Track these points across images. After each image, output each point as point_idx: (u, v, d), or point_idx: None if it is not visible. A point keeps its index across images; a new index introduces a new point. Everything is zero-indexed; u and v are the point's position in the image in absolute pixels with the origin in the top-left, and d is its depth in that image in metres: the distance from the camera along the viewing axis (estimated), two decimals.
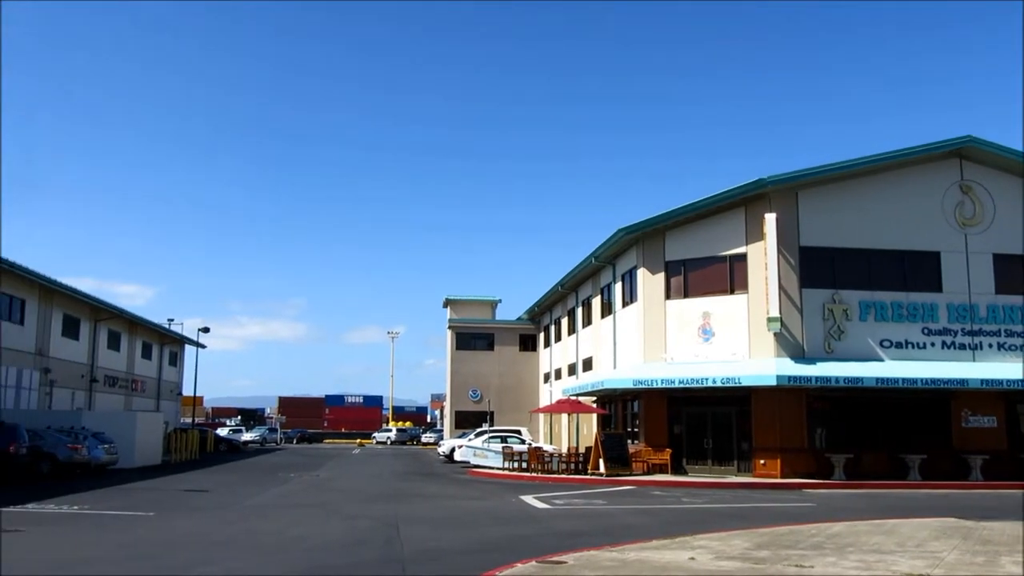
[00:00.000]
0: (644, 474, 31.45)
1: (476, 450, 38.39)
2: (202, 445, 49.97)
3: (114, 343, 53.49)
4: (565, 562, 11.24)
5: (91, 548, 13.39)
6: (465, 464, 39.55)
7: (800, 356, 30.93)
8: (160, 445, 40.35)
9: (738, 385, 30.13)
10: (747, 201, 32.40)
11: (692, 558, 11.55)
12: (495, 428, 49.16)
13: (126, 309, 53.21)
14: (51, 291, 42.50)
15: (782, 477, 29.97)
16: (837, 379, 29.69)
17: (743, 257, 32.42)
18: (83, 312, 47.66)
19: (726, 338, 32.29)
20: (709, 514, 19.43)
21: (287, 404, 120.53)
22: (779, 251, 31.21)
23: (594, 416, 40.13)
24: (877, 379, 29.90)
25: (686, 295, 33.68)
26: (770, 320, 30.72)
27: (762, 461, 30.80)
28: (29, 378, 39.85)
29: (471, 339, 64.90)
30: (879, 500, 24.08)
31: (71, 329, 46.18)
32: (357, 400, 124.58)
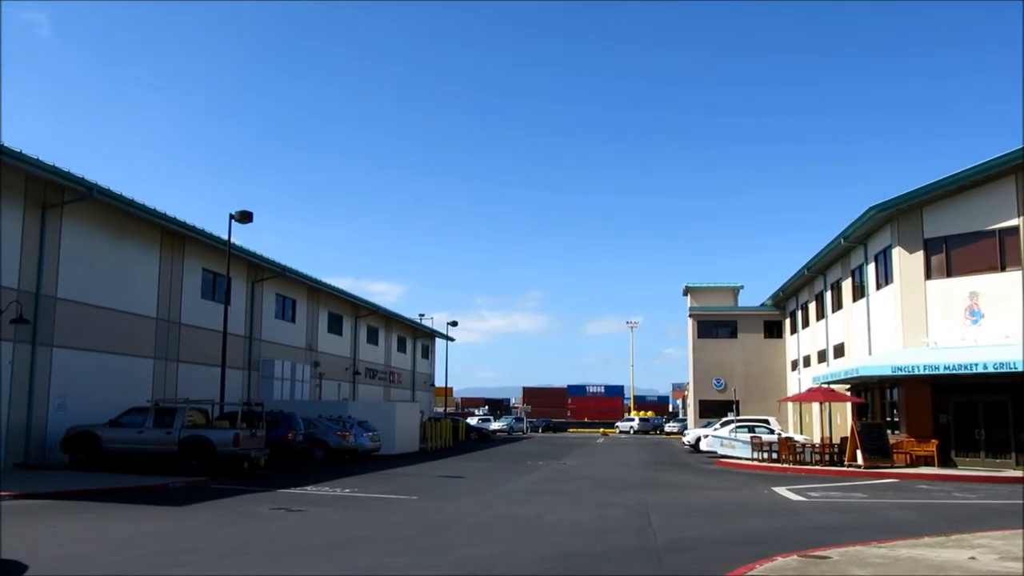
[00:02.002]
0: (907, 466, 29.49)
1: (723, 440, 37.65)
2: (454, 433, 52.28)
3: (373, 338, 57.25)
4: (829, 557, 10.76)
5: (363, 528, 14.40)
6: (712, 454, 38.87)
7: None
8: (417, 433, 42.67)
9: (1014, 371, 27.50)
10: (1018, 169, 29.50)
11: (972, 558, 10.68)
12: (741, 417, 47.94)
13: (382, 306, 56.78)
14: (318, 291, 46.17)
15: None
16: None
17: (1015, 231, 29.57)
18: (345, 309, 51.39)
19: (997, 320, 29.60)
20: (986, 510, 17.92)
21: (531, 394, 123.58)
22: None
23: (848, 405, 38.15)
24: None
25: (949, 274, 31.23)
26: None
27: None
28: (302, 371, 43.49)
29: (713, 327, 63.62)
30: None
31: (335, 325, 49.96)
32: (599, 390, 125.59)
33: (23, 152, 22.52)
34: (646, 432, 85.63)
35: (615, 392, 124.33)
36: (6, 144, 21.90)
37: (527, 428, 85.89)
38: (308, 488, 21.00)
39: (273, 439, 26.87)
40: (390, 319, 60.43)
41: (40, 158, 23.17)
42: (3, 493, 17.40)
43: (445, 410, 71.83)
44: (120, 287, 28.91)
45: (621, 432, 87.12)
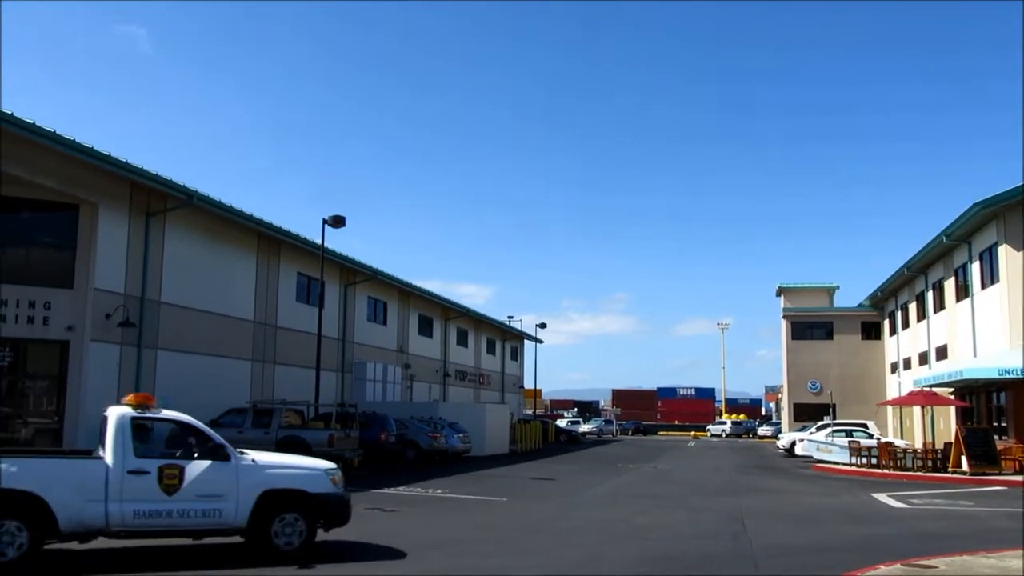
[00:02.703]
0: (1015, 473, 28.22)
1: (819, 444, 36.69)
2: (544, 435, 52.26)
3: (462, 340, 57.74)
4: (935, 567, 10.37)
5: (454, 528, 14.52)
6: (807, 459, 37.92)
7: None
8: (507, 435, 42.81)
9: None
10: None
11: None
12: (838, 421, 46.63)
13: (471, 308, 57.21)
14: (408, 294, 46.81)
15: None
16: None
17: None
18: (435, 312, 51.97)
19: None
20: None
21: (620, 396, 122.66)
22: None
23: (951, 409, 36.75)
24: None
25: None
26: None
27: None
28: (393, 373, 44.14)
29: (808, 328, 62.07)
30: None
31: (425, 328, 50.57)
32: (689, 392, 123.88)
33: (128, 161, 23.44)
34: (738, 436, 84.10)
35: (706, 395, 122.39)
36: (113, 154, 22.83)
37: (616, 431, 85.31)
38: (400, 488, 21.28)
39: (366, 440, 27.32)
40: (479, 321, 60.85)
41: (144, 167, 24.08)
42: None
43: (534, 412, 71.89)
44: (219, 291, 29.82)
45: (712, 435, 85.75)
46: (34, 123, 20.19)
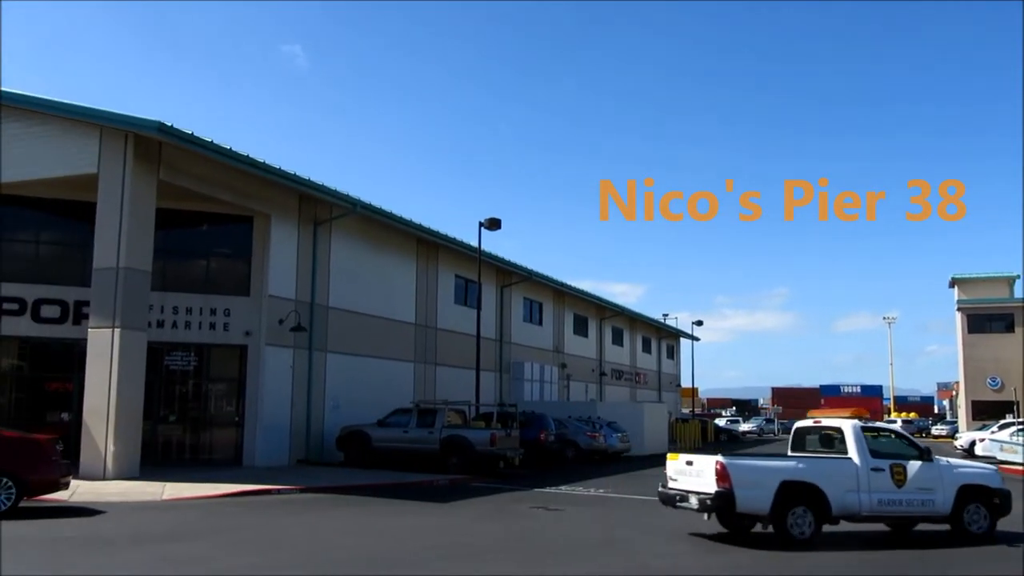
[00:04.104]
0: None
1: (1003, 444, 34.42)
2: (703, 435, 51.37)
3: (617, 339, 57.48)
4: None
5: (621, 528, 14.44)
6: (989, 459, 35.58)
7: None
8: (665, 434, 42.28)
9: None
10: None
11: None
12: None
13: (626, 307, 56.85)
14: (563, 294, 47.00)
15: None
16: None
17: None
18: (589, 311, 51.95)
19: None
20: None
21: (781, 394, 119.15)
22: None
23: None
24: None
25: None
26: None
27: None
28: (550, 373, 44.42)
29: (986, 321, 58.33)
30: None
31: (580, 327, 50.64)
32: (854, 390, 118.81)
33: (296, 173, 24.58)
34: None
35: (872, 392, 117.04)
36: (283, 167, 23.99)
37: (778, 430, 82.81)
38: (562, 488, 21.36)
39: (526, 439, 27.57)
40: (634, 320, 60.38)
41: (311, 178, 25.19)
42: (290, 487, 19.05)
43: (692, 411, 70.72)
44: (382, 295, 30.84)
45: None
46: (212, 141, 21.47)
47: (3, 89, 21.89)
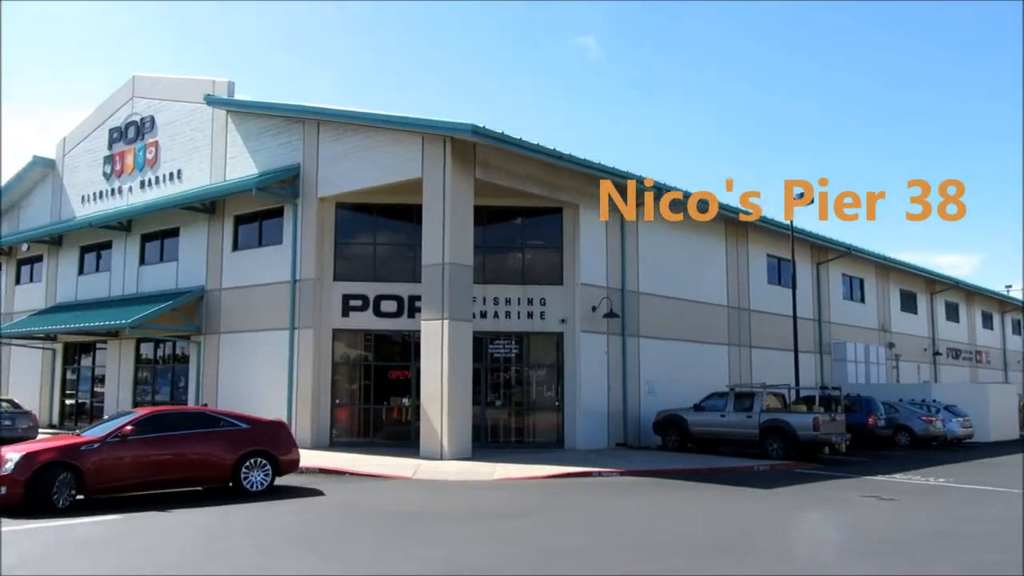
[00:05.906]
0: None
1: None
2: None
3: (952, 314, 52.66)
4: None
5: (964, 522, 13.21)
6: None
7: None
8: (1015, 418, 38.14)
9: None
10: None
11: None
12: None
13: (960, 279, 51.92)
14: (887, 269, 43.85)
15: None
16: None
17: None
18: (917, 286, 48.03)
19: None
20: None
21: None
22: None
23: None
24: None
25: None
26: None
27: None
28: (876, 353, 41.67)
29: None
30: None
31: (908, 303, 46.98)
32: None
33: (602, 163, 24.94)
34: None
35: None
36: (589, 158, 24.48)
37: None
38: (896, 476, 19.98)
39: (852, 424, 26.06)
40: (970, 293, 54.90)
41: (616, 166, 25.47)
42: (611, 470, 19.46)
43: None
44: (691, 278, 30.53)
45: None
46: (520, 138, 22.40)
47: (346, 109, 24.61)
